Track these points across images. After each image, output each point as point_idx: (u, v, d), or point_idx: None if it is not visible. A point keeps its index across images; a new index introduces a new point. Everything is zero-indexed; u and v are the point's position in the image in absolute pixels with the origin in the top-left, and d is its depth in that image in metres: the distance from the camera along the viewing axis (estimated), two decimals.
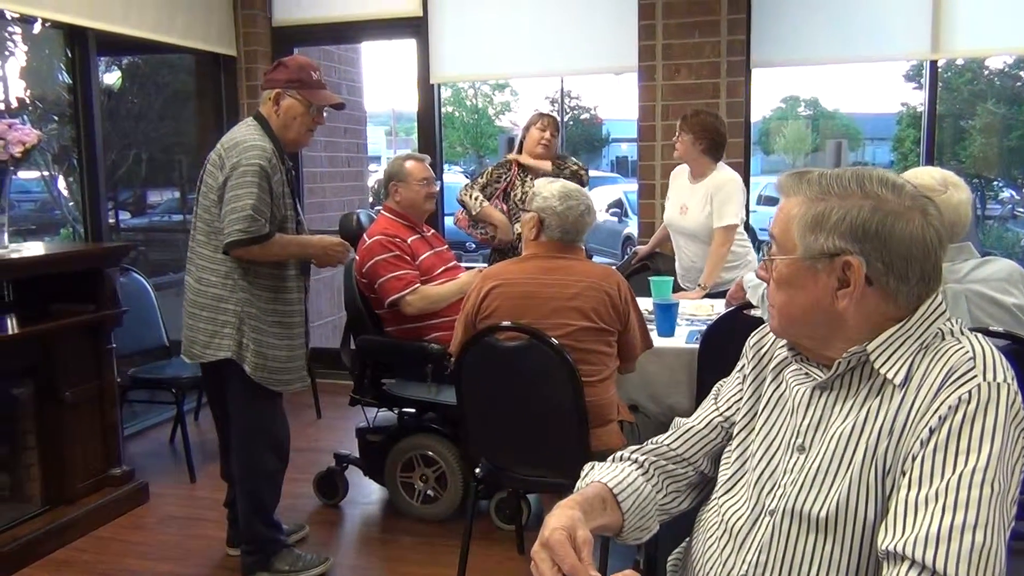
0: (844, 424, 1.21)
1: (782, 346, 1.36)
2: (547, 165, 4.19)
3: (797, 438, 1.26)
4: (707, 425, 1.44)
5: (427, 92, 5.36)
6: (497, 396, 2.67)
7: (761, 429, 1.33)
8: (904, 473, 1.13)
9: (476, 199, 4.25)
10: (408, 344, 3.43)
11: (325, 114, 3.02)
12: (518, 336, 2.55)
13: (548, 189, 2.71)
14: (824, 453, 1.21)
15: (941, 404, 1.12)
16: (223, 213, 2.76)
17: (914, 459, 1.12)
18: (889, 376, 1.18)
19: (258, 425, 2.96)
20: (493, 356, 2.59)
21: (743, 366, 1.44)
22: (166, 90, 6.12)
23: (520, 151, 4.34)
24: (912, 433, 1.14)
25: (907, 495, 1.10)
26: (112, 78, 5.86)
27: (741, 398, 1.41)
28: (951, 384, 1.13)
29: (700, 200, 3.77)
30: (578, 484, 1.36)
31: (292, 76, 2.90)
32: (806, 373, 1.29)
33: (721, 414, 1.43)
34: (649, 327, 3.20)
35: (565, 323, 2.57)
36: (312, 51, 5.96)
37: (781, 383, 1.34)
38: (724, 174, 3.79)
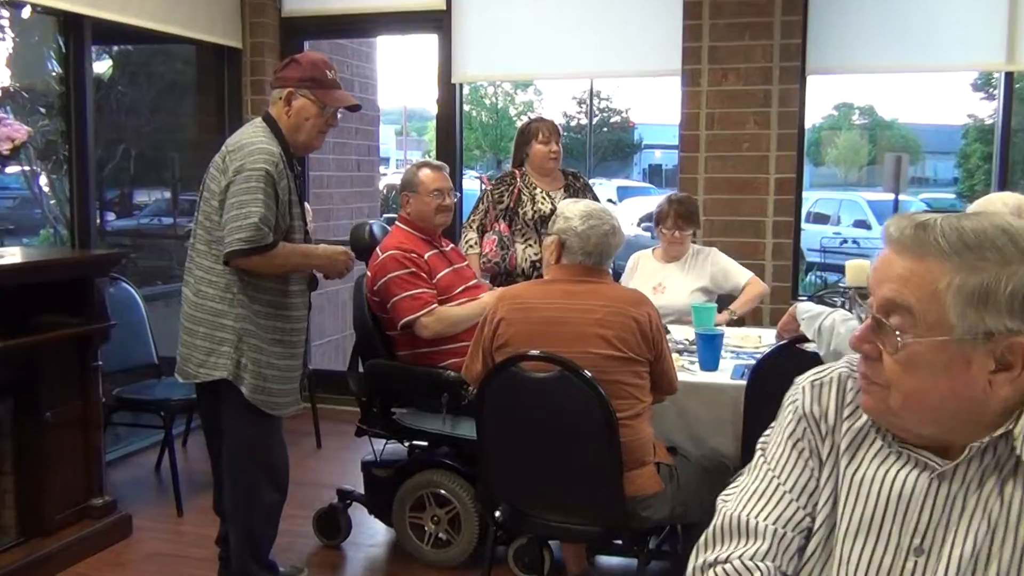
0: (976, 517, 1.15)
1: (848, 416, 1.25)
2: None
3: (914, 539, 1.17)
4: (795, 528, 1.26)
5: (448, 92, 5.39)
6: (522, 432, 2.67)
7: (850, 527, 1.21)
8: None
9: (468, 240, 4.27)
10: (422, 370, 3.44)
11: (339, 116, 3.05)
12: (546, 367, 2.55)
13: (571, 210, 2.76)
14: (959, 554, 1.14)
15: None
16: (224, 220, 2.78)
17: None
18: None
19: (254, 452, 2.97)
20: (519, 388, 2.60)
21: (811, 442, 1.28)
22: (160, 81, 6.14)
23: (520, 165, 4.32)
24: None
25: None
26: (101, 67, 5.90)
27: (818, 487, 1.26)
28: None
29: (682, 277, 4.05)
30: None
31: (305, 75, 2.92)
32: (905, 456, 1.19)
33: (808, 514, 1.26)
34: (691, 359, 3.21)
35: (588, 351, 2.57)
36: (323, 45, 6.03)
37: (860, 464, 1.23)
38: (704, 248, 4.17)
